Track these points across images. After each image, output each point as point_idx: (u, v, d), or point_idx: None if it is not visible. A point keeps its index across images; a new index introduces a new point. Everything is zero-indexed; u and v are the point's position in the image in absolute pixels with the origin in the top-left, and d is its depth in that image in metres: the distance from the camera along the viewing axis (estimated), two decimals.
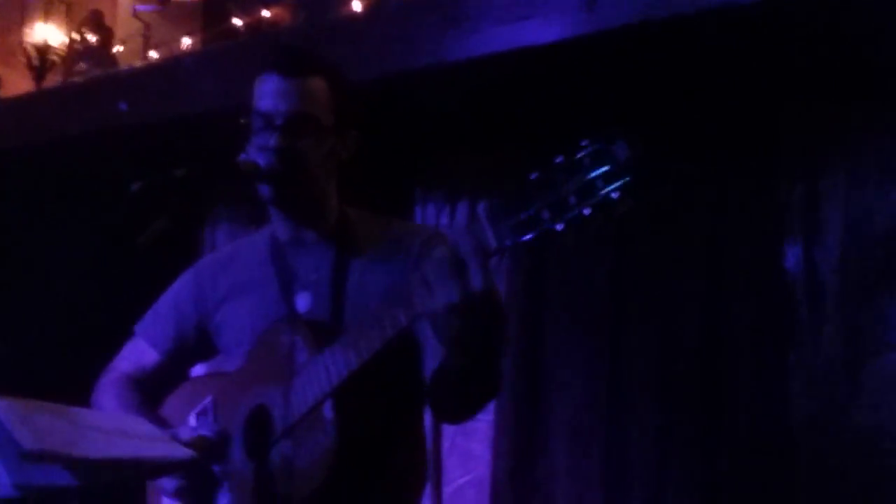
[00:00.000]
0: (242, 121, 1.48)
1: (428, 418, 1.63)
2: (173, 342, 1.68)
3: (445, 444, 2.49)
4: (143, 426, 1.24)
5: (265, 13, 2.92)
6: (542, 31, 2.00)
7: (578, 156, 1.07)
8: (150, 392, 1.67)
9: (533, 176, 1.10)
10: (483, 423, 2.63)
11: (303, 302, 1.54)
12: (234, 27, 3.01)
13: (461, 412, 1.55)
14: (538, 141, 2.55)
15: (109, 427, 1.11)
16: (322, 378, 1.36)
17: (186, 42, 3.06)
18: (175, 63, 2.81)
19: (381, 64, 2.26)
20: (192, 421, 1.49)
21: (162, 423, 1.55)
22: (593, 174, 1.06)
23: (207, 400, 1.52)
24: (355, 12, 2.57)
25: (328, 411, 1.37)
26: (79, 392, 1.38)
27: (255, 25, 2.93)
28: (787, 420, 2.27)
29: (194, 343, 1.68)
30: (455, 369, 1.34)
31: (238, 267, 1.65)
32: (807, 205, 2.31)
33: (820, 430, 2.24)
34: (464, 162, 2.81)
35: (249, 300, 1.59)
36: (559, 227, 1.08)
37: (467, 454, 2.62)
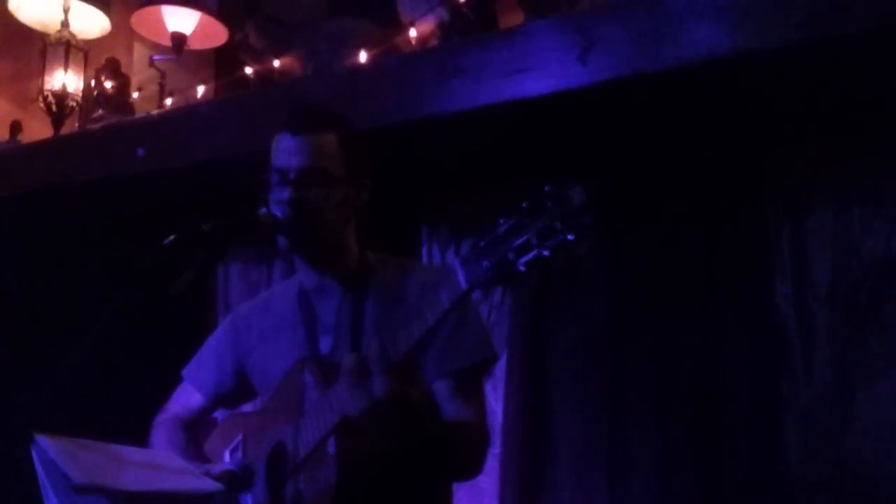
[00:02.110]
0: (263, 177, 1.59)
1: None
2: (215, 385, 1.79)
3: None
4: (176, 461, 1.33)
5: (276, 63, 3.02)
6: (538, 83, 2.05)
7: (541, 201, 1.14)
8: (199, 431, 1.78)
9: (502, 221, 1.18)
10: (490, 457, 2.64)
11: (325, 345, 1.63)
12: (246, 76, 3.11)
13: (441, 478, 1.64)
14: (537, 179, 2.63)
15: (146, 462, 1.20)
16: (326, 416, 1.42)
17: (201, 90, 3.15)
18: (190, 111, 2.85)
19: (387, 112, 2.31)
20: (227, 457, 1.59)
21: (204, 459, 1.64)
22: (553, 218, 1.13)
23: (239, 437, 1.62)
24: (361, 63, 2.65)
25: (331, 447, 1.43)
26: (113, 429, 1.46)
27: (266, 75, 3.02)
28: (781, 450, 2.30)
29: (234, 385, 1.79)
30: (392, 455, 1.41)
31: (271, 313, 1.75)
32: (795, 242, 2.37)
33: (814, 459, 2.27)
34: (466, 201, 2.87)
35: (280, 344, 1.69)
36: (521, 267, 1.15)
37: (475, 487, 2.62)
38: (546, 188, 1.14)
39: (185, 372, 1.85)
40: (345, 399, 1.32)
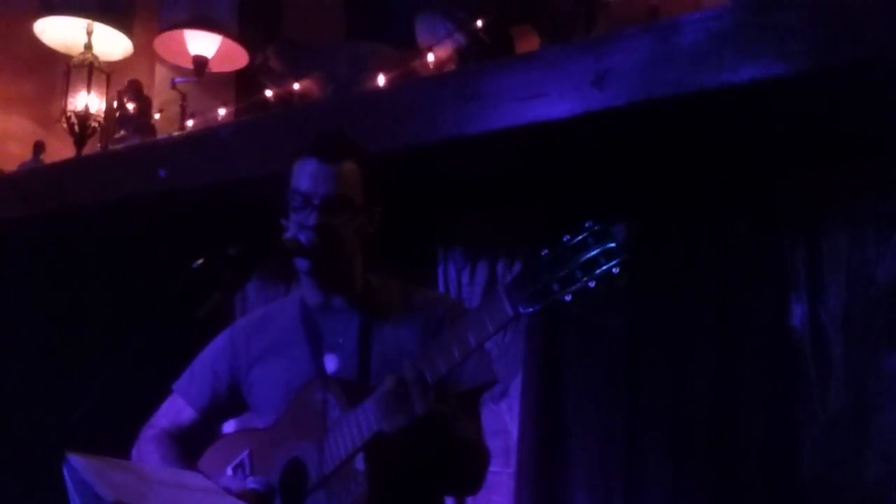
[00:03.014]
0: (282, 199, 1.63)
1: None
2: (208, 400, 1.80)
3: (468, 497, 2.57)
4: (200, 481, 1.35)
5: (295, 86, 3.07)
6: (554, 107, 2.08)
7: (582, 236, 1.25)
8: (187, 446, 1.78)
9: (544, 252, 1.27)
10: (504, 477, 2.68)
11: (331, 363, 1.66)
12: (266, 98, 3.15)
13: (450, 490, 1.71)
14: (553, 202, 2.66)
15: (172, 481, 1.23)
16: (354, 433, 1.48)
17: (221, 112, 3.19)
18: (211, 133, 2.89)
19: (404, 136, 2.34)
20: (230, 473, 1.61)
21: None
22: (595, 252, 1.23)
23: (244, 454, 1.64)
24: (380, 87, 2.69)
25: (359, 464, 1.48)
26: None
27: (286, 97, 3.06)
28: (797, 472, 2.31)
29: (227, 401, 1.80)
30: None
31: (270, 330, 1.78)
32: (810, 264, 2.38)
33: (830, 481, 2.28)
34: (482, 223, 2.90)
35: (280, 361, 1.72)
36: (567, 297, 1.26)
37: None
38: (587, 224, 1.25)
39: (176, 385, 1.84)
40: (381, 417, 1.43)
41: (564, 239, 1.26)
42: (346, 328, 1.68)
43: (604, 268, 1.22)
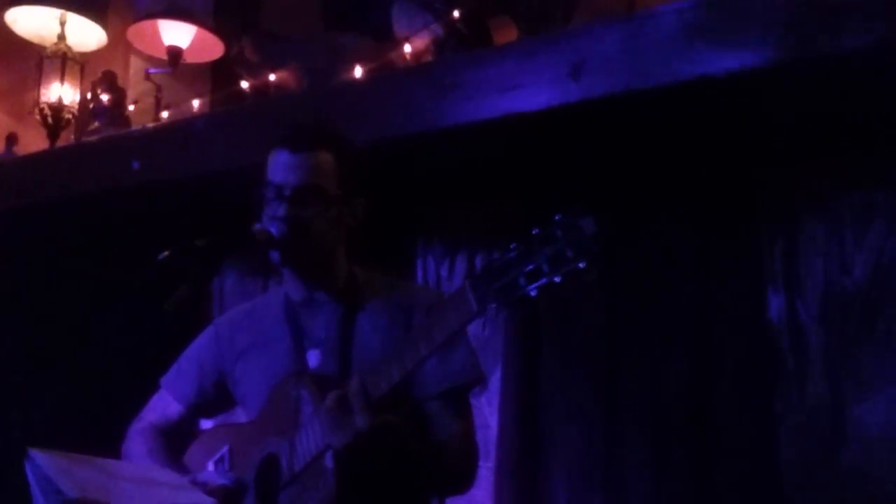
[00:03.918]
0: (256, 191, 1.60)
1: None
2: (194, 395, 1.79)
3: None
4: (167, 476, 1.34)
5: (271, 77, 3.04)
6: (531, 99, 2.07)
7: (550, 229, 1.19)
8: (175, 440, 1.77)
9: (513, 246, 1.22)
10: (485, 470, 2.65)
11: (314, 359, 1.64)
12: (242, 90, 3.12)
13: (434, 492, 1.68)
14: (531, 195, 2.66)
15: (138, 477, 1.20)
16: (320, 432, 1.45)
17: (196, 103, 3.16)
18: (186, 124, 2.85)
19: (381, 127, 2.33)
20: (210, 467, 1.59)
21: (184, 469, 1.65)
22: (564, 246, 1.18)
23: (224, 449, 1.63)
24: (356, 78, 2.67)
25: (328, 461, 1.46)
26: (109, 444, 1.47)
27: (262, 89, 3.03)
28: (775, 465, 2.31)
29: (213, 396, 1.79)
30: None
31: (254, 325, 1.76)
32: (787, 258, 2.38)
33: (808, 474, 2.29)
34: (461, 216, 2.89)
35: (264, 356, 1.70)
36: (532, 292, 1.20)
37: (470, 501, 2.65)
38: (556, 217, 1.20)
39: (163, 381, 1.84)
40: (328, 431, 1.40)
41: (534, 232, 1.21)
42: (329, 323, 1.66)
43: (571, 262, 1.18)
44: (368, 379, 1.38)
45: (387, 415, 1.41)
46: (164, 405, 1.82)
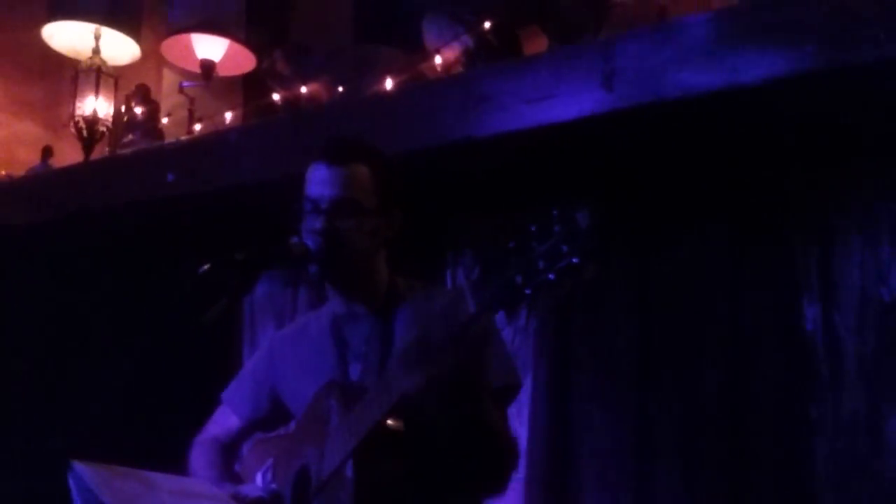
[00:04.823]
0: (295, 205, 1.62)
1: None
2: (251, 410, 1.83)
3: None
4: (206, 487, 1.35)
5: (303, 90, 3.06)
6: (564, 109, 2.07)
7: (549, 224, 1.12)
8: (235, 452, 1.83)
9: (511, 244, 1.16)
10: (515, 482, 2.61)
11: (355, 371, 1.66)
12: (274, 102, 3.15)
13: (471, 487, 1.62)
14: (562, 205, 2.64)
15: (179, 490, 1.22)
16: (346, 439, 1.46)
17: (229, 116, 3.19)
18: (219, 137, 2.90)
19: (412, 138, 2.34)
20: (259, 479, 1.61)
21: (238, 480, 1.67)
22: (559, 241, 1.11)
23: (270, 461, 1.65)
24: (387, 90, 2.68)
25: (349, 471, 1.45)
26: (144, 455, 1.49)
27: (294, 101, 3.06)
28: (811, 475, 2.28)
29: (269, 411, 1.83)
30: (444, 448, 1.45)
31: (305, 340, 1.78)
32: (823, 267, 2.35)
33: (843, 485, 2.25)
34: (491, 225, 2.88)
35: (313, 371, 1.71)
36: (528, 290, 1.14)
37: None
38: (554, 212, 1.13)
39: (224, 395, 1.88)
40: (401, 377, 1.34)
41: (531, 228, 1.15)
42: (369, 336, 1.67)
43: (565, 257, 1.10)
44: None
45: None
46: (224, 419, 1.86)
